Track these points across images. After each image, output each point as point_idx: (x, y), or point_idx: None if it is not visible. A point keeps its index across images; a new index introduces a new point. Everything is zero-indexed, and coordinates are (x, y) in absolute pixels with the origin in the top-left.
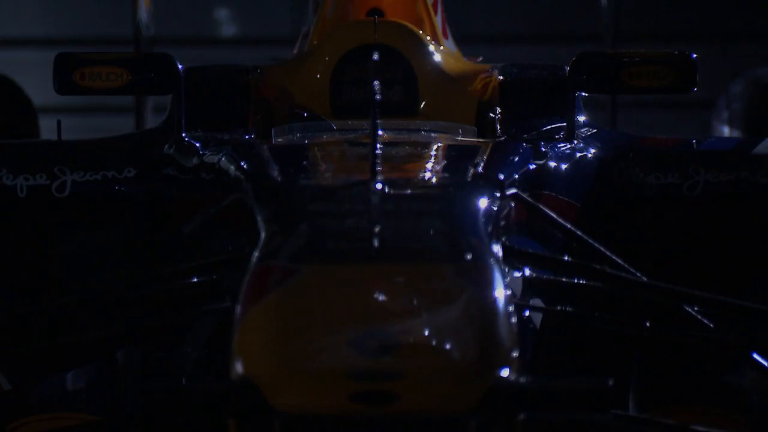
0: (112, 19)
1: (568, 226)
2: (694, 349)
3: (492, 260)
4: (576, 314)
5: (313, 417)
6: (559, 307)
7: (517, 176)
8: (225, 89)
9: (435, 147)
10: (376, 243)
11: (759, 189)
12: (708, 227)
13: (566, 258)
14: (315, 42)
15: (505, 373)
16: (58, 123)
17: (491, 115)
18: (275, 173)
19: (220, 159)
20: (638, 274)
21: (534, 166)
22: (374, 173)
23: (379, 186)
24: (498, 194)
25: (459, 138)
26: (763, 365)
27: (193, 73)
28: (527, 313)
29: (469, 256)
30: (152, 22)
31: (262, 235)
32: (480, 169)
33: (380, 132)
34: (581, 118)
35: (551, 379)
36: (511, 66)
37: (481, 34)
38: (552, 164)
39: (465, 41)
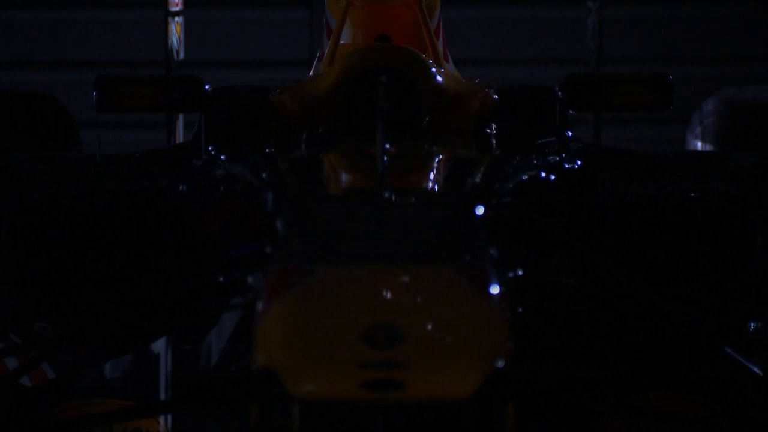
0: (146, 44)
1: (557, 231)
2: (673, 343)
3: (489, 262)
4: (564, 311)
5: (328, 403)
6: (548, 305)
7: (511, 186)
8: (247, 108)
9: (437, 160)
10: (384, 246)
11: (728, 197)
12: (683, 232)
13: (555, 260)
14: (328, 65)
15: (500, 363)
16: (98, 138)
17: (488, 131)
18: (293, 183)
19: (243, 171)
20: (621, 274)
21: (526, 178)
22: (382, 183)
23: (386, 195)
24: (494, 203)
25: (459, 152)
26: (734, 357)
27: (219, 93)
28: (520, 310)
29: (467, 258)
30: (181, 47)
31: (281, 238)
32: (478, 180)
33: (387, 146)
34: (569, 134)
35: (542, 369)
36: (506, 86)
37: (478, 57)
38: (543, 176)
39: (464, 64)
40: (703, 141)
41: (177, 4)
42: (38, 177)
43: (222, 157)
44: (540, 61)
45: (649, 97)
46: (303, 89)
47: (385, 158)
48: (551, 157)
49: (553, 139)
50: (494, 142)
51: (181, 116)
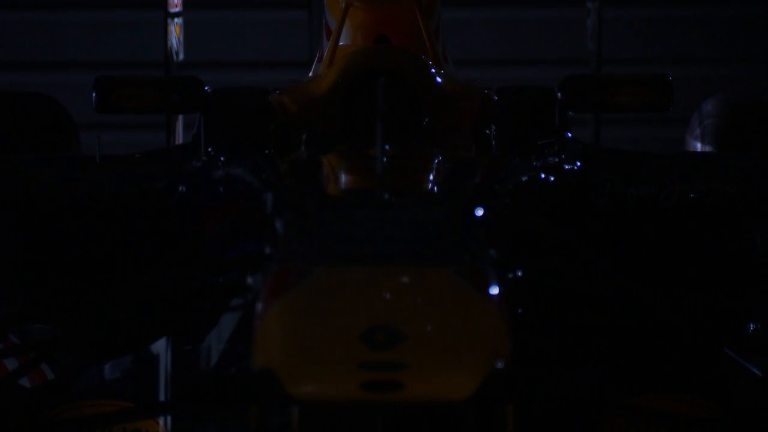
0: (146, 45)
1: (556, 231)
2: (672, 343)
3: (488, 262)
4: (564, 311)
5: (328, 403)
6: (548, 305)
7: (511, 187)
8: (247, 109)
9: (436, 161)
10: (383, 247)
11: (728, 198)
12: (682, 232)
13: (555, 260)
14: (327, 65)
15: (500, 364)
16: (98, 139)
17: (487, 132)
18: (292, 184)
19: (242, 172)
20: (621, 275)
21: (526, 179)
22: (381, 184)
23: (386, 196)
24: (493, 204)
25: (458, 153)
26: (733, 357)
27: (219, 94)
28: (520, 310)
29: (467, 259)
30: (181, 48)
31: (280, 239)
32: (477, 180)
33: (387, 147)
34: (569, 135)
35: (541, 370)
36: (506, 87)
37: (478, 58)
38: (542, 177)
39: (463, 64)
40: (703, 142)
41: (177, 5)
42: (38, 178)
43: (221, 158)
44: (540, 61)
45: (649, 98)
46: (302, 90)
47: (385, 159)
48: (551, 158)
49: (553, 140)
50: (494, 143)
51: (180, 117)
